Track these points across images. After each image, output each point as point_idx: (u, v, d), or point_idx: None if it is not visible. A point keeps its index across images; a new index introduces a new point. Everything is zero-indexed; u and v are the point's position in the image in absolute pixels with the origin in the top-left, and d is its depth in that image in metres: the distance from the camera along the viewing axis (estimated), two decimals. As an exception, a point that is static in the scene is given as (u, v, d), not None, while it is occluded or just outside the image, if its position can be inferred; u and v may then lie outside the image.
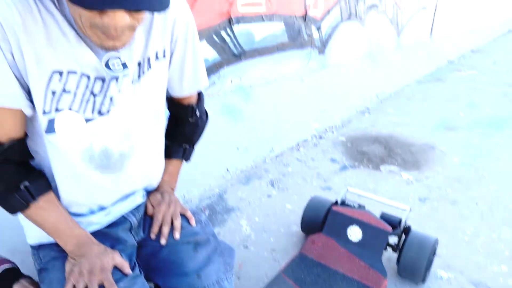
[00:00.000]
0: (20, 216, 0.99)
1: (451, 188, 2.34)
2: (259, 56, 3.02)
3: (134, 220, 1.05)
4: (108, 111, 0.90)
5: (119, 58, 0.87)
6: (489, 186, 2.37)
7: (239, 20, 2.70)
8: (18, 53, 0.77)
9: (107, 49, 0.77)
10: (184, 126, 1.17)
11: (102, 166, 0.95)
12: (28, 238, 1.02)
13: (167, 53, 0.98)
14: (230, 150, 2.54)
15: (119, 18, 0.70)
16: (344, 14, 3.95)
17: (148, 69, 0.94)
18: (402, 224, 1.63)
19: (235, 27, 2.69)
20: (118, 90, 0.89)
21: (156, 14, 0.91)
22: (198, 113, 1.17)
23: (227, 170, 2.41)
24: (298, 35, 3.37)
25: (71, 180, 0.93)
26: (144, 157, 1.03)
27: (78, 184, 0.94)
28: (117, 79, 0.88)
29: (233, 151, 2.54)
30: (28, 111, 0.84)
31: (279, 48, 3.20)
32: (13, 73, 0.79)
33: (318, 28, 3.62)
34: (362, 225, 1.58)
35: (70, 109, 0.85)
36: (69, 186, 0.94)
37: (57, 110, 0.84)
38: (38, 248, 1.00)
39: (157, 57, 0.95)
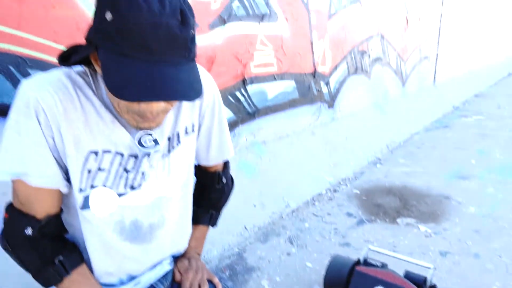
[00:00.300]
0: None
1: (472, 241, 2.31)
2: (272, 113, 3.12)
3: None
4: (139, 186, 0.93)
5: (151, 135, 0.92)
6: (510, 237, 2.33)
7: (253, 80, 2.82)
8: (58, 137, 0.82)
9: (143, 129, 0.82)
10: (210, 192, 1.19)
11: (132, 237, 0.97)
12: None
13: (195, 127, 1.02)
14: (247, 207, 2.55)
15: (156, 105, 0.75)
16: (350, 69, 4.09)
17: (177, 144, 0.99)
18: (428, 283, 1.60)
19: (249, 87, 2.80)
20: (149, 166, 0.93)
21: None
22: (224, 180, 1.20)
23: (245, 227, 2.41)
24: (308, 91, 3.49)
25: (103, 251, 0.96)
26: (173, 227, 1.06)
27: (109, 255, 0.97)
28: (148, 155, 0.92)
29: (250, 208, 2.56)
30: (64, 190, 0.89)
31: (291, 104, 3.31)
32: (53, 155, 0.83)
33: (327, 83, 3.75)
34: (388, 285, 1.55)
35: (104, 185, 0.89)
36: (101, 257, 0.97)
37: (92, 187, 0.89)
38: None
39: (186, 132, 1.00)
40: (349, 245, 2.30)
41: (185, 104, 0.98)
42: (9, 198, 0.90)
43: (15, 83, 1.52)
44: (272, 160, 3.05)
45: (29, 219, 0.85)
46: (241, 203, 2.52)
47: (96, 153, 0.86)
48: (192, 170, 1.08)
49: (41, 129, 0.80)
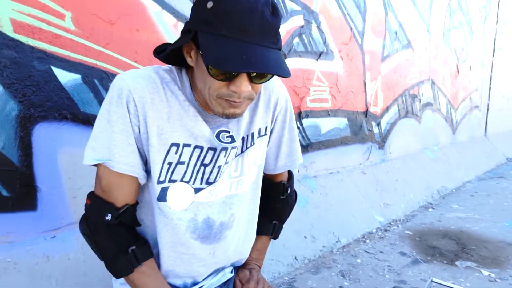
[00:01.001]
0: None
1: (543, 291, 2.07)
2: (324, 149, 3.08)
3: None
4: (215, 181, 0.94)
5: (228, 131, 0.94)
6: None
7: (308, 114, 2.83)
8: (144, 126, 0.86)
9: (228, 116, 0.84)
10: (275, 202, 1.18)
11: (203, 236, 0.97)
12: None
13: (268, 130, 1.04)
14: (298, 238, 2.46)
15: (244, 86, 0.78)
16: (401, 111, 4.02)
17: (251, 144, 1.00)
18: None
19: (304, 120, 2.81)
20: (225, 161, 0.94)
21: (261, 96, 1.00)
22: (289, 191, 1.18)
23: (295, 258, 2.32)
24: (359, 130, 3.44)
25: (174, 248, 0.95)
26: (240, 229, 1.05)
27: (178, 253, 0.96)
28: (226, 150, 0.93)
29: (301, 240, 2.46)
30: (142, 181, 0.91)
31: (342, 141, 3.26)
32: (137, 145, 0.87)
33: (378, 124, 3.69)
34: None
35: (182, 179, 0.91)
36: (170, 254, 0.96)
37: (170, 180, 0.90)
38: None
39: (259, 134, 1.01)
40: (405, 283, 2.13)
41: (260, 108, 1.00)
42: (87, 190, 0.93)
43: (98, 95, 1.61)
44: (323, 194, 2.97)
45: (109, 206, 0.88)
46: (292, 233, 2.44)
47: (177, 145, 0.88)
48: (261, 173, 1.08)
49: (129, 118, 0.84)
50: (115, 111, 0.83)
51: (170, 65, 0.91)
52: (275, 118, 1.05)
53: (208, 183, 0.93)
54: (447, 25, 4.72)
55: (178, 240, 0.94)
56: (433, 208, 3.56)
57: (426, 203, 3.70)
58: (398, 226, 3.05)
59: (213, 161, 0.92)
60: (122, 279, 0.98)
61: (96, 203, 0.89)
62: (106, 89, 1.64)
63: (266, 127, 1.03)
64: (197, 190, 0.93)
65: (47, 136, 1.48)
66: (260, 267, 1.19)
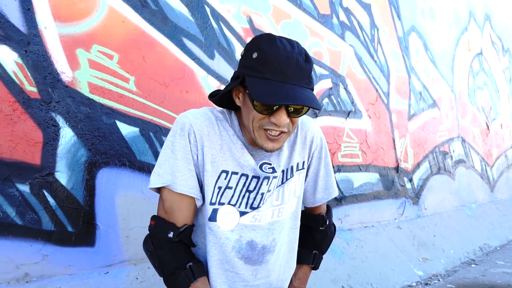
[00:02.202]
0: None
1: None
2: (357, 202, 3.07)
3: None
4: (258, 206, 1.04)
5: (270, 163, 1.05)
6: None
7: (340, 168, 2.88)
8: (201, 154, 1.00)
9: (268, 150, 0.97)
10: (315, 233, 1.24)
11: (246, 256, 1.04)
12: None
13: (305, 165, 1.15)
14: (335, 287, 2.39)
15: (283, 118, 0.91)
16: (433, 168, 3.96)
17: (291, 176, 1.10)
18: None
19: (337, 175, 2.86)
20: (267, 189, 1.04)
21: (299, 134, 1.12)
22: (327, 222, 1.24)
23: (334, 308, 2.23)
24: (392, 185, 3.41)
25: (221, 266, 1.03)
26: (282, 255, 1.11)
27: (224, 270, 1.03)
28: (268, 179, 1.04)
29: (338, 289, 2.39)
30: (198, 203, 1.02)
31: (375, 196, 3.24)
32: (195, 170, 1.00)
33: (410, 180, 3.65)
34: None
35: (229, 202, 1.02)
36: (218, 272, 1.03)
37: (220, 203, 1.01)
38: None
39: (297, 168, 1.11)
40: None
41: (298, 145, 1.12)
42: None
43: (152, 146, 1.80)
44: (359, 247, 2.90)
45: (171, 225, 0.98)
46: (329, 282, 2.38)
47: (227, 172, 1.01)
48: (300, 204, 1.16)
49: (190, 147, 0.98)
50: (178, 142, 0.98)
51: (222, 109, 1.08)
52: (312, 154, 1.15)
53: (252, 208, 1.03)
54: (471, 86, 4.78)
55: (225, 257, 1.02)
56: (476, 264, 3.33)
57: (468, 259, 3.48)
58: (439, 280, 2.88)
59: (257, 188, 1.03)
60: None
61: (160, 223, 1.00)
62: (160, 142, 1.82)
63: (303, 162, 1.13)
64: (242, 214, 1.03)
65: (108, 180, 1.65)
66: None
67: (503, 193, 5.31)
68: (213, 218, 1.01)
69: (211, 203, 1.01)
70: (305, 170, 1.15)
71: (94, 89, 1.62)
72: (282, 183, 1.09)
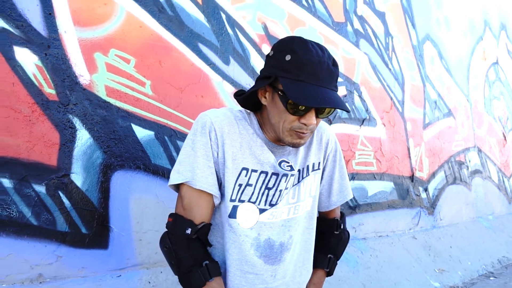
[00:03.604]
0: None
1: None
2: (372, 211, 3.00)
3: None
4: (276, 203, 1.04)
5: (288, 162, 1.06)
6: None
7: (354, 176, 2.82)
8: (221, 152, 1.00)
9: (294, 145, 0.99)
10: (329, 238, 1.23)
11: (265, 254, 1.03)
12: None
13: (321, 165, 1.16)
14: (349, 297, 2.31)
15: (313, 119, 0.94)
16: (449, 178, 3.86)
17: (306, 175, 1.10)
18: None
19: (351, 182, 2.80)
20: (285, 186, 1.05)
21: (314, 135, 1.12)
22: (342, 227, 1.22)
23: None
24: (407, 194, 3.33)
25: (240, 267, 1.01)
26: (297, 254, 1.10)
27: (244, 272, 1.01)
28: (286, 176, 1.04)
29: (352, 299, 2.31)
30: (216, 201, 1.01)
31: (390, 205, 3.16)
32: (215, 168, 1.00)
33: (425, 189, 3.55)
34: None
35: (249, 200, 1.02)
36: (237, 273, 1.01)
37: (240, 200, 1.00)
38: None
39: (313, 168, 1.12)
40: None
41: (313, 146, 1.12)
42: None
43: (167, 149, 1.78)
44: (373, 256, 2.82)
45: (189, 222, 0.98)
46: (343, 292, 2.30)
47: (247, 170, 1.01)
48: (315, 205, 1.15)
49: (211, 145, 0.99)
50: (199, 139, 0.98)
51: (240, 110, 1.09)
52: (327, 156, 1.16)
53: (271, 205, 1.04)
54: (488, 95, 4.68)
55: (244, 257, 1.01)
56: (495, 277, 3.20)
57: (487, 272, 3.35)
58: (456, 293, 2.77)
59: (276, 185, 1.04)
60: None
61: (178, 220, 0.99)
62: (175, 145, 1.81)
63: (319, 163, 1.14)
64: (261, 211, 1.03)
65: (123, 183, 1.64)
66: None
67: (521, 205, 5.14)
68: (233, 215, 1.01)
69: (232, 200, 1.01)
70: (320, 171, 1.15)
71: (110, 92, 1.62)
72: (298, 181, 1.09)
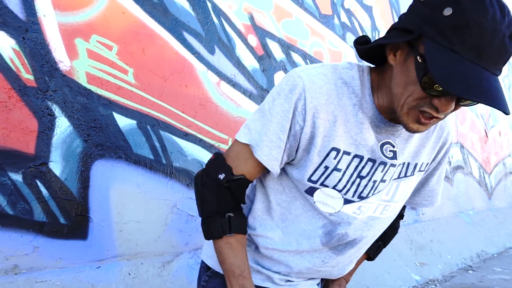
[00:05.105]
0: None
1: None
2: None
3: None
4: (367, 196, 0.86)
5: (394, 146, 0.86)
6: None
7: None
8: (309, 127, 0.80)
9: (412, 130, 0.76)
10: (389, 227, 1.04)
11: (330, 244, 0.89)
12: (203, 254, 1.01)
13: (427, 167, 0.95)
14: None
15: (450, 106, 0.70)
16: (432, 173, 3.94)
17: (411, 174, 0.91)
18: None
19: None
20: (381, 178, 0.86)
21: (436, 130, 0.92)
22: (403, 218, 1.13)
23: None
24: (390, 188, 3.39)
25: (296, 237, 0.89)
26: (360, 251, 0.97)
27: (297, 242, 0.90)
28: (385, 165, 0.85)
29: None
30: (275, 176, 0.88)
31: (373, 198, 3.21)
32: (290, 143, 0.82)
33: (408, 184, 3.62)
34: None
35: (334, 187, 0.83)
36: (291, 241, 0.90)
37: (322, 184, 0.84)
38: (206, 269, 0.98)
39: (420, 168, 0.92)
40: None
41: (431, 141, 0.92)
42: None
43: (149, 139, 1.77)
44: (355, 249, 2.87)
45: (227, 168, 0.85)
46: (325, 284, 2.34)
47: (338, 151, 0.82)
48: (401, 207, 0.99)
49: (293, 115, 0.80)
50: (281, 103, 0.80)
51: (350, 63, 0.86)
52: (438, 158, 0.96)
53: (361, 197, 0.85)
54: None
55: (306, 231, 0.89)
56: (474, 271, 3.30)
57: (466, 265, 3.45)
58: (436, 285, 2.84)
59: (370, 174, 0.84)
60: (211, 252, 0.95)
61: (218, 161, 0.88)
62: (157, 135, 1.79)
63: (427, 164, 0.94)
64: (346, 202, 0.85)
65: (103, 172, 1.62)
66: (347, 282, 1.11)
67: (500, 201, 5.30)
68: (310, 193, 0.85)
69: (310, 180, 0.83)
70: (424, 173, 0.95)
71: (92, 79, 1.59)
72: (399, 177, 0.89)
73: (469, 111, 4.72)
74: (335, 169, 0.83)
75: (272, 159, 0.82)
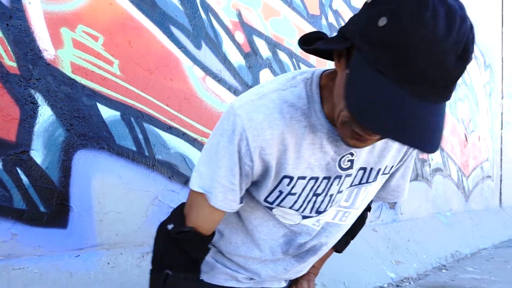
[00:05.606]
0: None
1: None
2: (335, 202, 3.10)
3: None
4: (325, 210, 0.84)
5: (353, 154, 0.80)
6: None
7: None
8: (258, 164, 0.76)
9: (349, 145, 0.72)
10: (357, 219, 1.02)
11: (290, 252, 0.90)
12: None
13: (392, 169, 0.91)
14: (308, 285, 2.41)
15: (371, 136, 0.64)
16: (411, 174, 4.04)
17: (374, 179, 0.86)
18: None
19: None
20: (337, 190, 0.83)
21: None
22: (370, 210, 1.12)
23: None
24: (370, 187, 3.47)
25: (261, 243, 0.88)
26: (322, 253, 0.97)
27: (262, 252, 0.90)
28: (340, 178, 0.81)
29: (311, 286, 2.41)
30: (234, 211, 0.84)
31: (353, 197, 3.28)
32: (242, 182, 0.77)
33: (388, 184, 3.70)
34: None
35: (291, 208, 0.82)
36: (253, 246, 0.90)
37: (279, 205, 0.82)
38: None
39: (384, 172, 0.88)
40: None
41: (396, 144, 0.85)
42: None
43: (132, 131, 1.78)
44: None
45: (179, 218, 0.81)
46: (302, 279, 2.40)
47: (291, 178, 0.78)
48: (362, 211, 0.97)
49: (238, 157, 0.74)
50: (225, 146, 0.74)
51: (295, 78, 0.76)
52: (403, 159, 0.91)
53: (318, 212, 0.83)
54: (453, 97, 4.90)
55: (267, 240, 0.88)
56: (447, 270, 3.42)
57: (440, 264, 3.56)
58: (410, 283, 2.94)
59: (326, 190, 0.81)
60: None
61: (176, 209, 0.85)
62: (141, 127, 1.81)
63: (392, 166, 0.88)
64: (305, 217, 0.84)
65: (85, 162, 1.63)
66: (316, 276, 1.14)
67: (477, 204, 5.46)
68: (268, 207, 0.84)
69: (267, 201, 0.81)
70: (388, 175, 0.91)
71: (76, 69, 1.60)
72: (360, 183, 0.84)
73: (450, 116, 4.84)
74: (290, 193, 0.79)
75: (229, 202, 0.78)
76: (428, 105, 0.56)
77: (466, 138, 5.21)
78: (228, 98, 2.18)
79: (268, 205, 0.82)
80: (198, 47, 2.05)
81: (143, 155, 1.81)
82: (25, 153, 1.47)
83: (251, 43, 2.35)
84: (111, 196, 1.71)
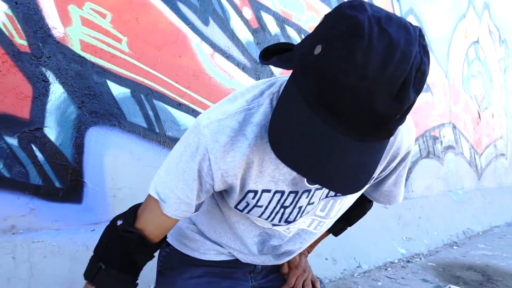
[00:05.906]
0: None
1: None
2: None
3: (259, 266, 1.00)
4: (295, 220, 0.83)
5: None
6: None
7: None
8: (220, 183, 0.75)
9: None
10: (357, 209, 1.02)
11: (264, 252, 0.92)
12: None
13: (374, 180, 0.88)
14: (319, 259, 2.44)
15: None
16: (423, 152, 4.01)
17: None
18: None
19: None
20: (308, 202, 0.81)
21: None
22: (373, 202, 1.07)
23: (316, 276, 2.29)
24: (380, 165, 3.45)
25: (242, 237, 0.89)
26: (297, 253, 0.98)
27: (243, 242, 0.91)
28: (309, 192, 0.79)
29: (322, 261, 2.44)
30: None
31: (364, 174, 3.28)
32: (199, 197, 0.76)
33: (399, 162, 3.68)
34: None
35: (260, 217, 0.82)
36: (228, 235, 0.91)
37: (248, 213, 0.83)
38: (166, 244, 1.00)
39: None
40: (426, 306, 2.05)
41: None
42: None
43: (142, 107, 1.80)
44: (344, 223, 2.95)
45: (130, 217, 0.80)
46: (313, 254, 2.42)
47: (255, 192, 0.77)
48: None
49: (199, 175, 0.73)
50: (187, 161, 0.72)
51: (262, 94, 0.74)
52: (388, 168, 0.85)
53: (287, 221, 0.83)
54: (466, 73, 4.80)
55: (242, 237, 0.90)
56: (458, 246, 3.42)
57: (451, 241, 3.56)
58: (421, 258, 2.95)
59: (294, 202, 0.80)
60: (172, 230, 0.93)
61: (132, 207, 0.84)
62: (151, 104, 1.82)
63: (373, 178, 0.84)
64: (275, 225, 0.84)
65: (97, 139, 1.66)
66: (309, 253, 1.15)
67: (489, 182, 5.40)
68: (239, 211, 0.84)
69: (237, 208, 0.82)
70: (373, 181, 0.88)
71: (85, 47, 1.61)
72: (336, 195, 0.82)
73: (463, 92, 4.75)
74: (256, 205, 0.79)
75: (182, 212, 0.77)
76: (356, 143, 0.52)
77: (479, 115, 5.12)
78: (237, 75, 2.18)
79: (238, 212, 0.83)
80: (206, 23, 2.04)
81: (153, 132, 1.83)
82: (39, 130, 1.50)
83: (259, 19, 2.33)
84: (123, 172, 1.74)
